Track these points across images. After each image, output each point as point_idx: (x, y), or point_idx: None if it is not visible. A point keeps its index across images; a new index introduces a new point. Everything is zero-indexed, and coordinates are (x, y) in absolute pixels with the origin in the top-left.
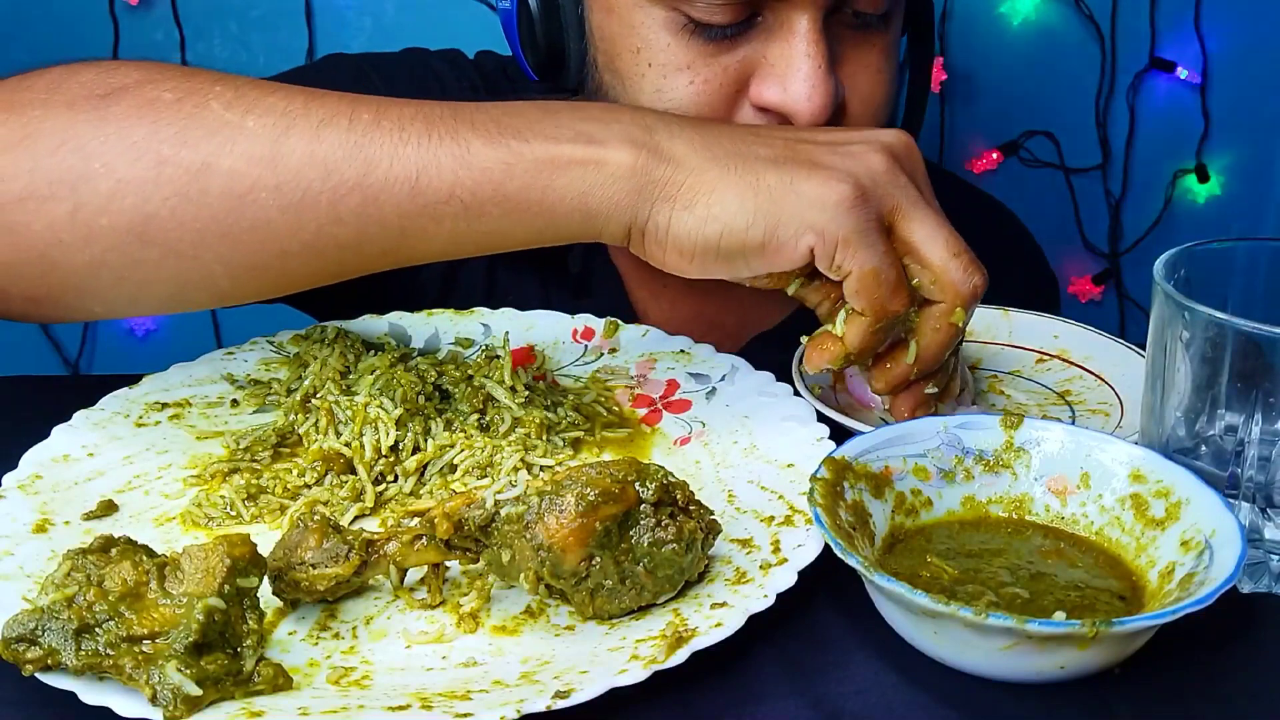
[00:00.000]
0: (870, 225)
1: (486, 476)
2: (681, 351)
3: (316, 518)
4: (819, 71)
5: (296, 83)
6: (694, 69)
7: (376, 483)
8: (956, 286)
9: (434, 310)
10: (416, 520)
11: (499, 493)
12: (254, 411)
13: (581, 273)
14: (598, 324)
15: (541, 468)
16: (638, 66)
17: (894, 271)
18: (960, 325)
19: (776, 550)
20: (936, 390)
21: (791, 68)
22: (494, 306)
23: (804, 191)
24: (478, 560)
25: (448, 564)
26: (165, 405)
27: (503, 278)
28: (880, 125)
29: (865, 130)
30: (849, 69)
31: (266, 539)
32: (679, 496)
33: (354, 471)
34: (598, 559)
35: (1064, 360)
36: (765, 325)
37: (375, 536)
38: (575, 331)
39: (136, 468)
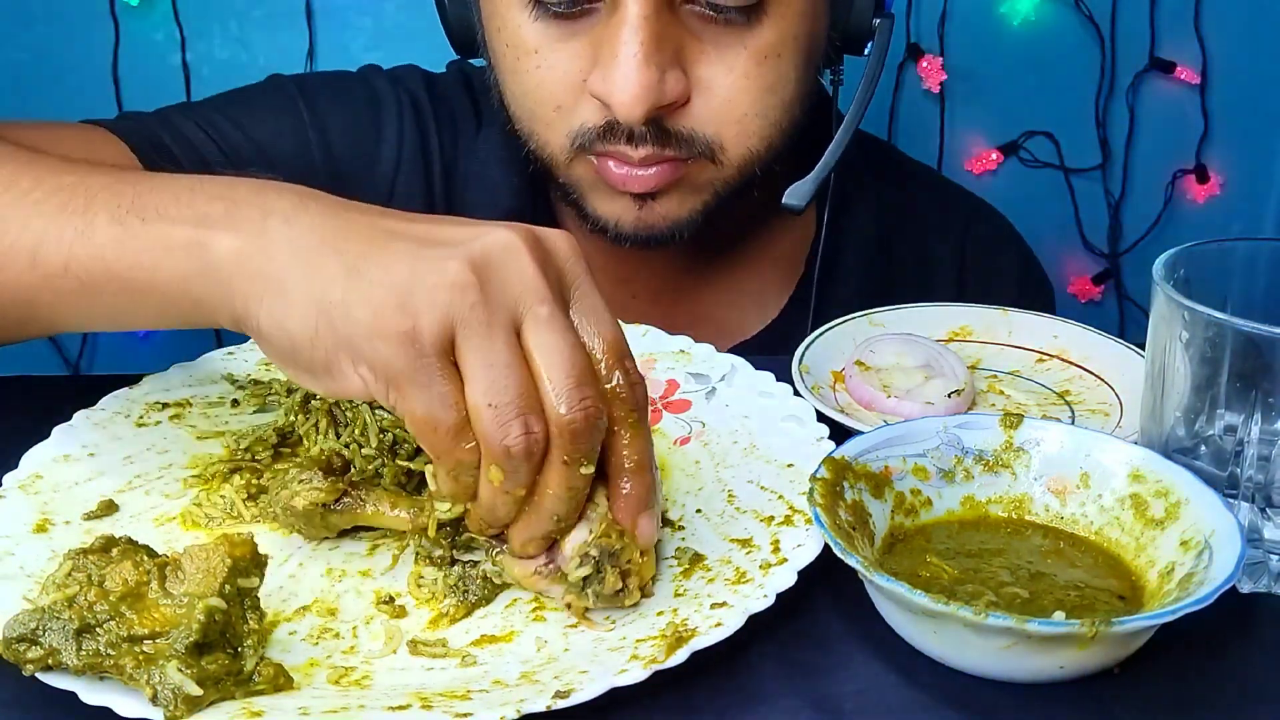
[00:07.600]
0: (424, 363)
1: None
2: (681, 351)
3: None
4: (636, 58)
5: (237, 103)
6: (541, 53)
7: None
8: (485, 437)
9: None
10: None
11: None
12: (254, 411)
13: None
14: None
15: None
16: (499, 46)
17: (453, 415)
18: (498, 483)
19: (776, 550)
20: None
21: (614, 54)
22: None
23: (359, 318)
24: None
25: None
26: (166, 405)
27: None
28: (742, 134)
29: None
30: (700, 66)
31: (267, 539)
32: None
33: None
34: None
35: (1064, 360)
36: (743, 335)
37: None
38: None
39: (137, 468)
